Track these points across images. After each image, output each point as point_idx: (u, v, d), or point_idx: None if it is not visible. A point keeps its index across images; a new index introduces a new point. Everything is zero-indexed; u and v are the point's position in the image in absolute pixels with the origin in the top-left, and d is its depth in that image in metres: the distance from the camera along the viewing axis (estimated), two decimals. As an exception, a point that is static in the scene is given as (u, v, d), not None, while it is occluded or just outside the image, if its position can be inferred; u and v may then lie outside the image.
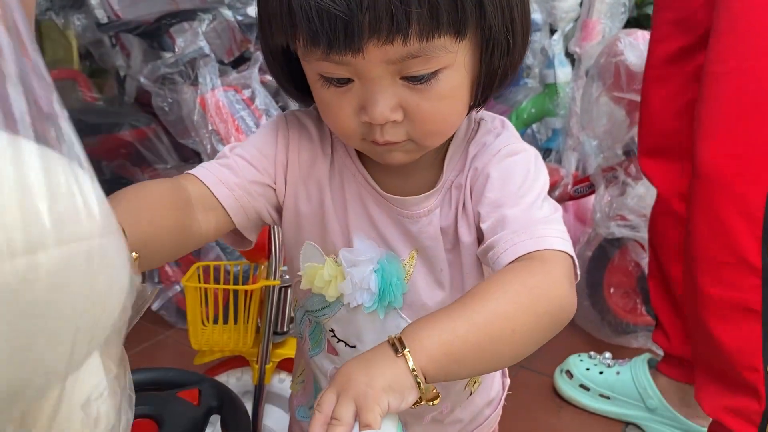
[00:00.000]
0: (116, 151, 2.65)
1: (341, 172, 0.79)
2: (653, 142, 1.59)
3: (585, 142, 2.44)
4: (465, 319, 0.60)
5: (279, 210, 0.83)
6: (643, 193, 1.94)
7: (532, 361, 2.09)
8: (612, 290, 2.05)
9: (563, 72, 2.88)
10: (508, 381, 1.04)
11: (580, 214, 2.51)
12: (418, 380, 0.57)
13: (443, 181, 0.77)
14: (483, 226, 0.71)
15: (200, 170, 0.76)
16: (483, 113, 0.81)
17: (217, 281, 1.36)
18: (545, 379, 2.00)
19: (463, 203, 0.76)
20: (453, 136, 0.77)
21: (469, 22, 0.63)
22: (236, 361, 1.38)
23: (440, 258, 0.78)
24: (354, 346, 0.84)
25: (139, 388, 0.98)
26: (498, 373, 1.00)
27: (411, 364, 0.57)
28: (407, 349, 0.58)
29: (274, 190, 0.80)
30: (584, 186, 2.22)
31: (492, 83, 0.71)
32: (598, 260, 2.08)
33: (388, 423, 0.56)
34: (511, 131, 0.79)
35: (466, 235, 0.76)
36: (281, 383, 1.41)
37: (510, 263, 0.66)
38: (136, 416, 0.92)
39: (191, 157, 2.68)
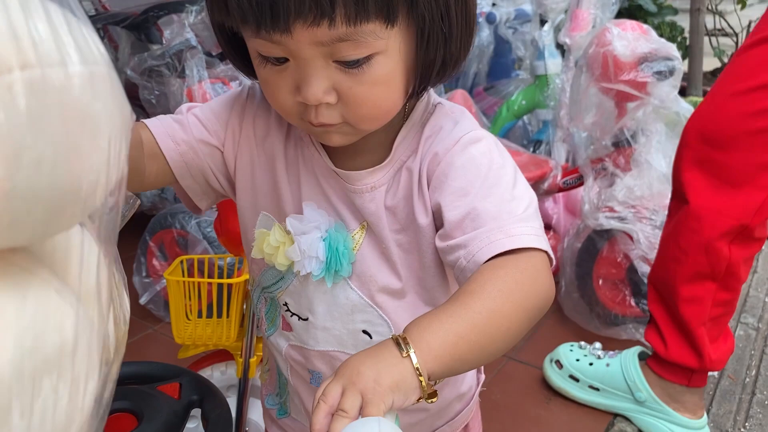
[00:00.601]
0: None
1: (296, 145, 0.81)
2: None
3: (575, 134, 2.43)
4: (467, 320, 0.61)
5: (229, 179, 0.84)
6: (631, 185, 1.94)
7: (520, 352, 2.09)
8: (601, 282, 2.05)
9: (554, 63, 2.87)
10: (482, 377, 1.04)
11: (570, 206, 2.51)
12: (422, 381, 0.58)
13: (390, 160, 0.77)
14: (449, 215, 0.71)
15: (153, 121, 0.80)
16: (441, 99, 0.81)
17: (202, 275, 1.35)
18: (534, 370, 2.00)
19: (419, 187, 0.75)
20: (407, 116, 0.77)
21: (398, 9, 0.63)
22: (220, 355, 1.38)
23: (386, 237, 0.78)
24: (306, 319, 0.84)
25: (119, 382, 0.98)
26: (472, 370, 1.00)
27: (415, 363, 0.58)
28: (412, 350, 0.59)
29: (222, 153, 0.82)
30: (573, 177, 2.22)
31: (430, 73, 0.71)
32: (587, 252, 2.07)
33: (388, 417, 0.57)
34: (470, 119, 0.78)
35: (423, 217, 0.76)
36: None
37: (490, 260, 0.66)
38: (116, 410, 0.91)
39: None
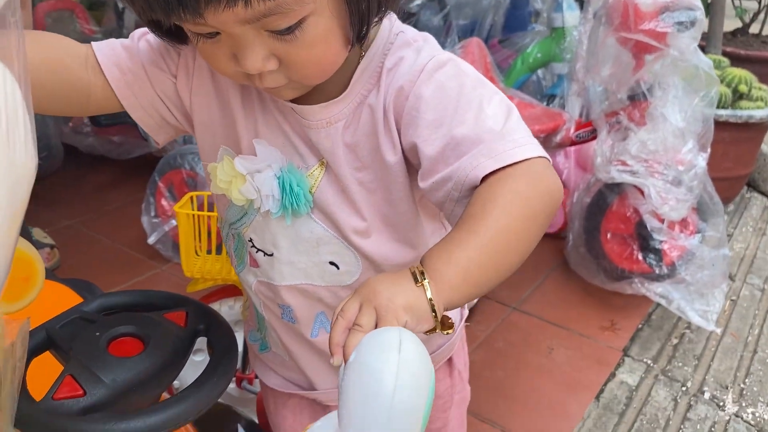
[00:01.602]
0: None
1: None
2: None
3: (590, 88, 2.39)
4: (473, 243, 0.61)
5: (185, 113, 0.82)
6: (645, 139, 1.91)
7: (525, 303, 2.10)
8: (609, 236, 2.04)
9: (571, 15, 2.81)
10: (466, 312, 1.04)
11: (581, 161, 2.48)
12: (435, 311, 0.58)
13: (348, 95, 0.74)
14: (428, 151, 0.68)
15: (101, 45, 0.78)
16: (405, 27, 0.77)
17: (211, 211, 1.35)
18: (537, 321, 2.02)
19: (385, 124, 0.73)
20: (367, 49, 0.74)
21: None
22: (228, 291, 1.39)
23: (346, 175, 0.76)
24: (271, 254, 0.83)
25: (127, 309, 0.99)
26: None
27: (429, 294, 0.59)
28: (427, 281, 0.59)
29: (175, 84, 0.80)
30: (587, 131, 2.19)
31: (366, 16, 0.67)
32: (597, 206, 2.06)
33: None
34: (432, 43, 0.75)
35: (390, 155, 0.74)
36: (273, 314, 1.41)
37: (484, 181, 0.65)
38: (122, 334, 0.92)
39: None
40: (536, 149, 0.66)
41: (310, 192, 0.78)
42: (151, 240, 2.10)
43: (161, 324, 0.93)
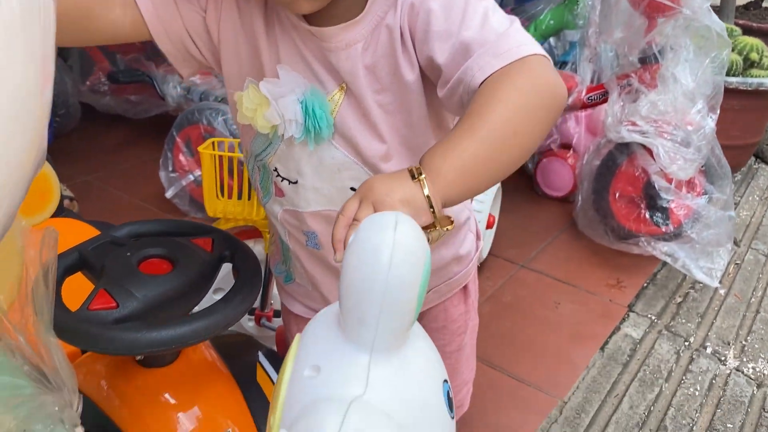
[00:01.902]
0: (131, 45, 2.65)
1: (273, 8, 0.81)
2: None
3: (602, 54, 2.41)
4: (470, 137, 0.63)
5: (212, 49, 0.85)
6: (655, 100, 1.93)
7: (533, 261, 2.14)
8: (617, 195, 2.07)
9: (585, -19, 2.81)
10: (481, 243, 1.08)
11: (592, 126, 2.51)
12: (432, 205, 0.61)
13: (365, 15, 0.76)
14: (441, 60, 0.71)
15: None
16: None
17: (230, 160, 1.39)
18: (545, 278, 2.06)
19: (402, 43, 0.75)
20: None
21: None
22: (250, 233, 1.43)
23: (366, 97, 0.78)
24: (296, 182, 0.87)
25: (155, 234, 1.04)
26: (470, 234, 1.04)
27: (426, 190, 0.61)
28: (423, 176, 0.62)
29: (204, 19, 0.83)
30: (598, 93, 2.21)
31: None
32: (606, 167, 2.09)
33: None
34: None
35: (409, 73, 0.76)
36: (290, 257, 1.46)
37: (486, 79, 0.67)
38: (152, 256, 0.97)
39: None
40: (538, 48, 0.68)
41: (332, 116, 0.81)
42: (168, 194, 2.15)
43: (189, 248, 0.98)
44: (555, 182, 2.52)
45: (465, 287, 1.06)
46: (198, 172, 2.13)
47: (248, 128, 0.87)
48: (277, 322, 1.45)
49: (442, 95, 0.73)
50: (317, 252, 0.94)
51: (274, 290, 1.45)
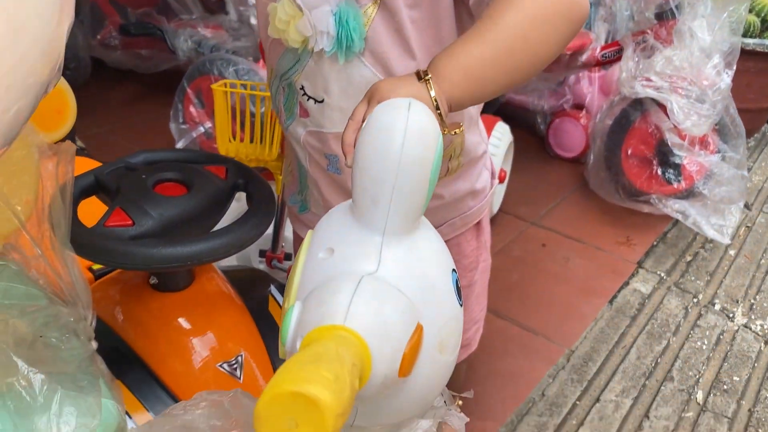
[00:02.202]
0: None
1: None
2: None
3: (617, 13, 2.38)
4: (477, 40, 0.63)
5: None
6: (670, 55, 1.91)
7: (544, 219, 2.14)
8: (630, 152, 2.06)
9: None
10: (496, 182, 1.08)
11: (605, 87, 2.49)
12: (438, 106, 0.61)
13: None
14: None
15: None
16: None
17: (243, 103, 1.39)
18: (555, 235, 2.06)
19: None
20: None
21: None
22: (262, 175, 1.43)
23: (399, 11, 0.78)
24: (322, 101, 0.86)
25: (170, 160, 1.04)
26: (485, 169, 1.04)
27: (432, 92, 0.62)
28: (429, 77, 0.62)
29: None
30: (613, 51, 2.19)
31: None
32: (620, 124, 2.08)
33: None
34: None
35: None
36: (301, 199, 1.47)
37: None
38: (167, 180, 0.97)
39: (216, 9, 2.66)
40: None
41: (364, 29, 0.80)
42: (179, 146, 2.15)
43: (203, 174, 0.98)
44: (567, 143, 2.50)
45: (478, 224, 1.06)
46: (208, 124, 2.13)
47: (276, 45, 0.86)
48: (288, 264, 1.46)
49: (472, 3, 0.73)
50: (337, 177, 0.94)
51: (286, 233, 1.46)
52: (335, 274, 0.51)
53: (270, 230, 1.44)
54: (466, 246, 1.06)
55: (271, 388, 0.39)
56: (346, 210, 0.58)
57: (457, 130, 0.64)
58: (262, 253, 1.47)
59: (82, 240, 0.83)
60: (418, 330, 0.51)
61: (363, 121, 0.59)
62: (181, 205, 0.91)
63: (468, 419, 0.61)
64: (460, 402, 0.69)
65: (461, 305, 0.58)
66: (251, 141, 1.43)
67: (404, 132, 0.51)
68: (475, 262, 1.08)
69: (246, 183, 1.00)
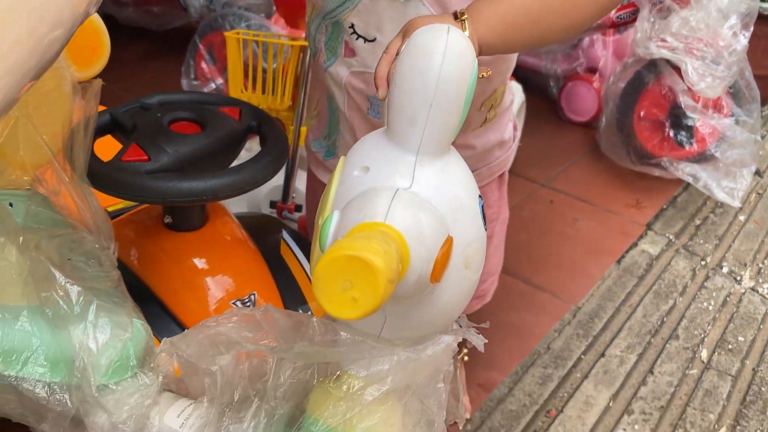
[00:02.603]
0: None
1: None
2: None
3: (634, -25, 2.35)
4: None
5: None
6: (687, 16, 1.89)
7: (554, 181, 2.14)
8: (642, 114, 2.05)
9: None
10: (518, 133, 1.10)
11: (619, 51, 2.46)
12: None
13: None
14: None
15: None
16: None
17: (255, 54, 1.39)
18: (565, 197, 2.06)
19: None
20: None
21: None
22: (273, 125, 1.44)
23: None
24: (373, 40, 0.85)
25: (184, 101, 1.05)
26: (510, 122, 1.05)
27: (467, 33, 0.63)
28: (466, 17, 0.64)
29: None
30: (628, 12, 2.16)
31: None
32: (633, 86, 2.06)
33: None
34: None
35: None
36: (313, 151, 1.47)
37: None
38: (182, 119, 0.98)
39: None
40: None
41: None
42: (190, 102, 2.15)
43: (217, 114, 0.99)
44: (579, 107, 2.49)
45: (501, 175, 1.08)
46: (220, 80, 2.13)
47: None
48: (298, 215, 1.47)
49: None
50: (377, 122, 0.92)
51: (297, 184, 1.47)
52: (371, 187, 0.54)
53: (281, 181, 1.45)
54: (491, 196, 1.07)
55: (330, 253, 0.44)
56: (380, 134, 0.60)
57: (484, 74, 0.65)
58: (272, 204, 1.48)
59: (99, 173, 0.85)
60: (449, 241, 0.54)
61: (396, 55, 0.60)
62: (196, 142, 0.92)
63: (486, 341, 0.62)
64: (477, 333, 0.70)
65: (486, 230, 0.60)
66: (263, 92, 1.44)
67: (443, 53, 0.53)
68: (496, 213, 1.10)
69: (259, 125, 1.01)
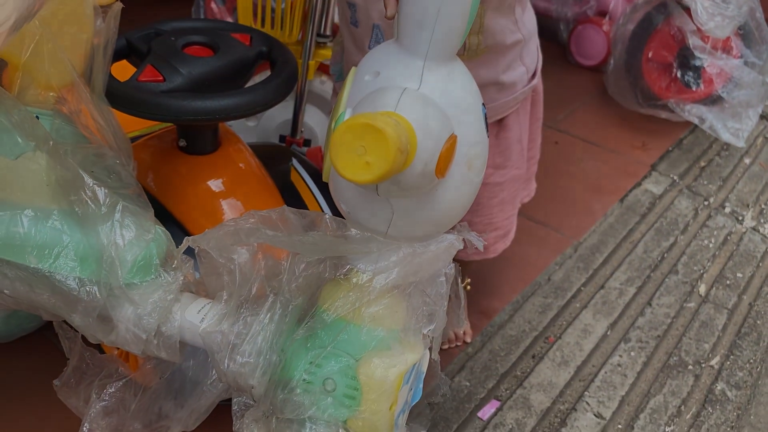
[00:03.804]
0: None
1: None
2: None
3: None
4: None
5: None
6: (698, -46, 1.87)
7: (561, 123, 2.16)
8: (650, 56, 2.05)
9: None
10: (536, 81, 1.11)
11: (630, -6, 2.44)
12: None
13: None
14: None
15: None
16: None
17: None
18: (570, 138, 2.08)
19: None
20: None
21: None
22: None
23: None
24: None
25: (194, 28, 1.07)
26: (518, 63, 1.04)
27: None
28: None
29: None
30: (639, -49, 2.14)
31: None
32: (643, 27, 2.06)
33: None
34: None
35: None
36: (322, 85, 1.50)
37: None
38: (195, 43, 1.01)
39: None
40: None
41: None
42: (200, 42, 2.17)
43: (229, 39, 1.02)
44: (588, 50, 2.48)
45: (500, 121, 1.07)
46: (230, 21, 2.14)
47: None
48: (307, 148, 1.50)
49: None
50: (355, 30, 0.96)
51: (306, 119, 1.50)
52: (382, 87, 0.58)
53: (290, 115, 1.48)
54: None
55: (347, 122, 0.48)
56: (390, 44, 0.64)
57: None
58: (282, 139, 1.51)
59: (116, 93, 0.89)
60: (453, 138, 0.58)
61: None
62: (209, 65, 0.96)
63: (485, 242, 0.66)
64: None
65: (488, 136, 0.64)
66: (272, 27, 1.45)
67: None
68: (490, 160, 1.08)
69: (269, 50, 1.04)
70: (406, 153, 0.49)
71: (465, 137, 0.59)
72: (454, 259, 0.69)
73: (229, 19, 2.18)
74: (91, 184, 0.67)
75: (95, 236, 0.67)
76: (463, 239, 0.67)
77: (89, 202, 0.66)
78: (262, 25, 1.45)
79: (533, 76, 1.10)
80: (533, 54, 1.08)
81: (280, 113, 1.52)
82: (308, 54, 1.39)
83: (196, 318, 0.70)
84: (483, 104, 0.64)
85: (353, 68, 0.64)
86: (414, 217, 0.61)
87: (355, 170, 0.47)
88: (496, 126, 1.09)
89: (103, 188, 0.67)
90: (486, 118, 0.64)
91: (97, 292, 0.66)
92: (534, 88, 1.14)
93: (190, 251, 1.02)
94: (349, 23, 0.97)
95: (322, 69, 1.46)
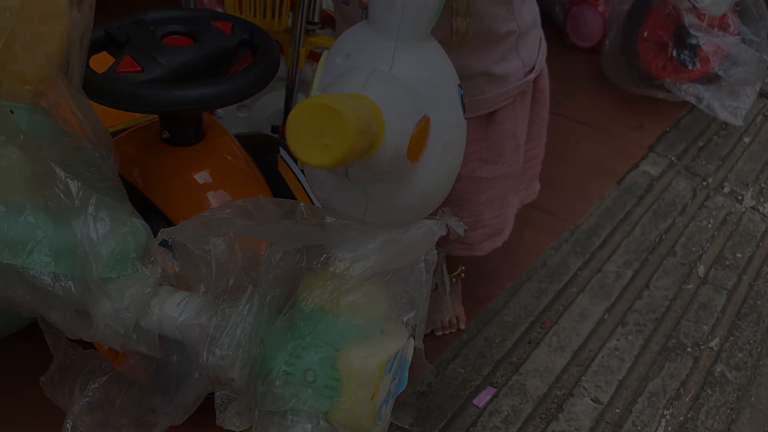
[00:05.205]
0: None
1: None
2: None
3: None
4: None
5: None
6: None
7: (555, 106, 2.14)
8: (646, 35, 2.02)
9: None
10: (533, 76, 1.08)
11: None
12: None
13: None
14: None
15: None
16: None
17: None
18: (565, 120, 2.07)
19: None
20: None
21: None
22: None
23: None
24: None
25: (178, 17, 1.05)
26: (513, 56, 1.02)
27: None
28: None
29: None
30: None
31: None
32: (638, 7, 2.03)
33: None
34: None
35: None
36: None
37: None
38: (174, 32, 0.99)
39: None
40: None
41: None
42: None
43: (210, 27, 1.00)
44: (584, 32, 2.45)
45: (491, 114, 1.04)
46: (219, 10, 2.11)
47: None
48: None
49: None
50: (345, 8, 0.95)
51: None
52: (351, 68, 0.56)
53: (282, 105, 1.46)
54: (472, 133, 1.03)
55: (302, 103, 0.46)
56: (361, 26, 0.62)
57: None
58: (274, 129, 1.50)
59: (94, 85, 0.87)
60: (425, 120, 0.56)
61: None
62: (189, 54, 0.94)
63: (466, 227, 0.65)
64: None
65: (465, 118, 0.62)
66: (263, 16, 1.43)
67: None
68: (477, 153, 1.07)
69: (251, 38, 1.02)
70: (371, 135, 0.47)
71: (439, 119, 0.58)
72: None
73: (219, 9, 2.17)
74: (63, 178, 0.66)
75: (69, 230, 0.65)
76: (446, 225, 0.66)
77: (62, 195, 0.65)
78: (252, 13, 1.43)
79: (531, 70, 1.07)
80: (532, 48, 1.05)
81: (272, 103, 1.51)
82: (298, 41, 1.37)
83: (176, 311, 0.69)
84: (459, 85, 0.62)
85: (325, 51, 0.63)
86: (390, 203, 0.60)
87: (312, 153, 0.46)
88: (485, 119, 1.06)
89: (75, 181, 0.66)
90: (463, 100, 0.62)
91: (72, 288, 0.65)
92: (537, 86, 1.12)
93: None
94: (340, 1, 0.95)
95: (313, 57, 1.44)
